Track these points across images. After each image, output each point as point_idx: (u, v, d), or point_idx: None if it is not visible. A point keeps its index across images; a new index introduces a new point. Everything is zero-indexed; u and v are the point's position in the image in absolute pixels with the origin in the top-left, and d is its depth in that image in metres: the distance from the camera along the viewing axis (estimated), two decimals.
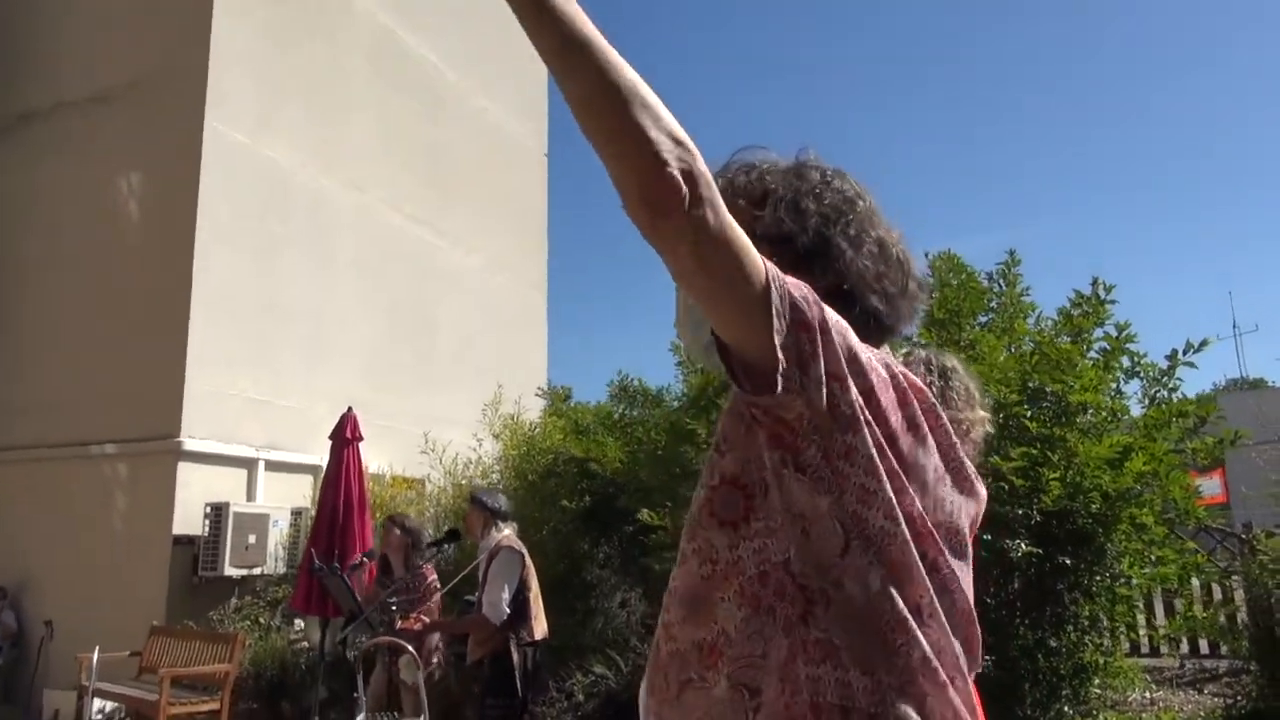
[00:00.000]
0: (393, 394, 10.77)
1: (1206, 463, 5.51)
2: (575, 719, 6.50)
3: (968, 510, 1.26)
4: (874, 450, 1.10)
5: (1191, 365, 5.36)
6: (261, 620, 8.64)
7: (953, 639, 1.14)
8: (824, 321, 1.09)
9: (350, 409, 7.34)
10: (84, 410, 9.48)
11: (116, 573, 8.97)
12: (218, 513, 8.92)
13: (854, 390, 1.10)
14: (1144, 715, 6.05)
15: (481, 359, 12.39)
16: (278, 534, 9.26)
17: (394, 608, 4.85)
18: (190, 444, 8.99)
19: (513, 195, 14.20)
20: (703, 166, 0.98)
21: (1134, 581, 5.35)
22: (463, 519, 5.11)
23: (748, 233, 1.05)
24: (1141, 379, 5.53)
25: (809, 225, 1.25)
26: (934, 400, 1.22)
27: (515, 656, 4.46)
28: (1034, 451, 4.92)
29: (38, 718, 8.35)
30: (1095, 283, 5.53)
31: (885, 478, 1.11)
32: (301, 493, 9.80)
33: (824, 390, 1.08)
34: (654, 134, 0.95)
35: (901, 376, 1.19)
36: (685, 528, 1.23)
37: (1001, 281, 6.34)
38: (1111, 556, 5.13)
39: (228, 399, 9.33)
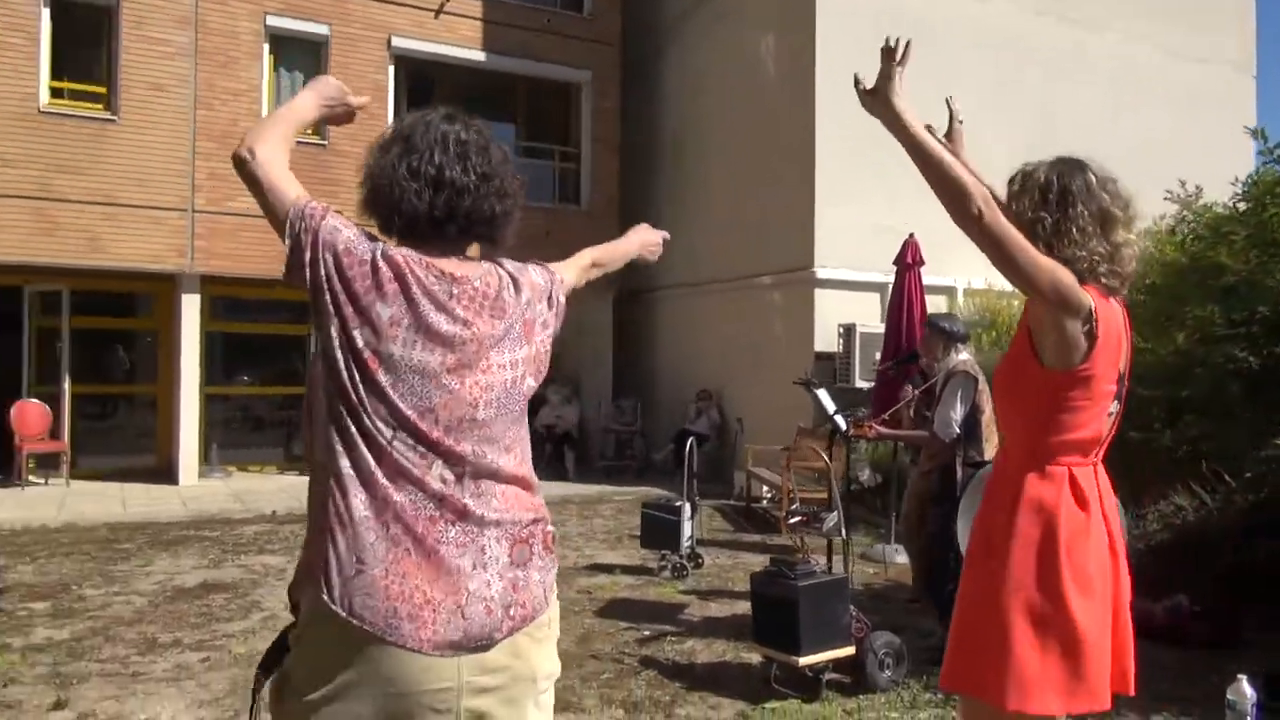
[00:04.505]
0: None
1: None
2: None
3: None
4: None
5: None
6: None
7: None
8: None
9: (912, 235, 7.56)
10: (744, 249, 11.31)
11: (778, 382, 10.72)
12: (848, 332, 9.99)
13: None
14: None
15: (1164, 160, 10.65)
16: None
17: (849, 416, 5.22)
18: (823, 273, 10.16)
19: None
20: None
21: None
22: (921, 341, 5.17)
23: None
24: None
25: None
26: None
27: (960, 473, 4.55)
28: None
29: (730, 491, 10.65)
30: None
31: None
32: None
33: None
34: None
35: None
36: None
37: None
38: None
39: (854, 229, 10.17)
